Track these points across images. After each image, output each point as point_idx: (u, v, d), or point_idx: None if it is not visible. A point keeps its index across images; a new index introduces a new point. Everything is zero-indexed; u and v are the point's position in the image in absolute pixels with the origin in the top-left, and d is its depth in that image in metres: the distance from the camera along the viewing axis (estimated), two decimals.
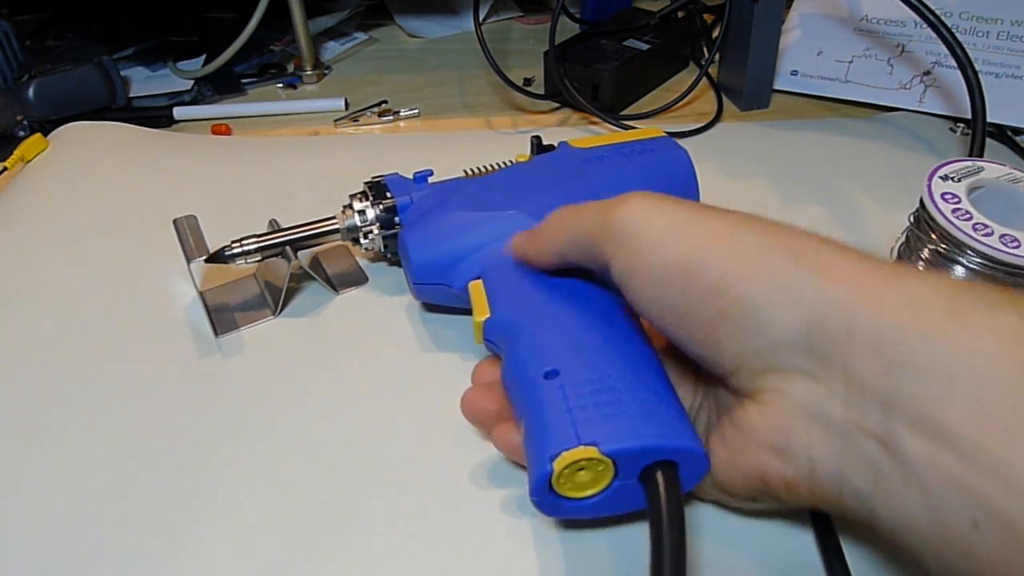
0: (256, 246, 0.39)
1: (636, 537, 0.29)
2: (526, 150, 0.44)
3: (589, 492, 0.26)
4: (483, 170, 0.42)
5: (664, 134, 0.42)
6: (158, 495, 0.32)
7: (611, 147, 0.41)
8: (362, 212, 0.40)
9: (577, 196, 0.32)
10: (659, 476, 0.25)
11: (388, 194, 0.40)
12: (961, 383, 0.20)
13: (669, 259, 0.25)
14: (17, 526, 0.31)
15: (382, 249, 0.41)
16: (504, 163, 0.42)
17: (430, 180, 0.41)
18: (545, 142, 0.44)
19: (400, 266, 0.40)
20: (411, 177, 0.41)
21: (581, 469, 0.25)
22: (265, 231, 0.40)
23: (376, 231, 0.40)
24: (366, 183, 0.41)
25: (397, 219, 0.39)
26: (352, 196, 0.40)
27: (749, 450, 0.25)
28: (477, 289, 0.34)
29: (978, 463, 0.19)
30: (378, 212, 0.39)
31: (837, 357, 0.22)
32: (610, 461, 0.25)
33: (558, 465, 0.25)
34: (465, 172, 0.42)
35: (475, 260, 0.36)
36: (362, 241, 0.40)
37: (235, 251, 0.39)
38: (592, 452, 0.24)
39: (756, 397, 0.24)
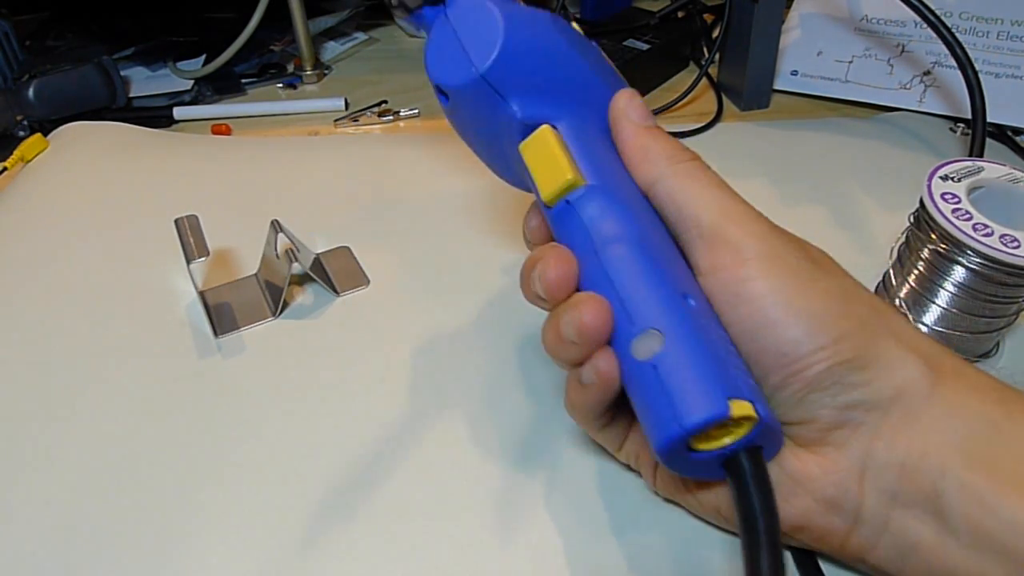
0: None
1: (637, 537, 0.29)
2: None
3: (709, 446, 0.23)
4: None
5: None
6: (158, 494, 0.32)
7: None
8: None
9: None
10: (752, 456, 0.23)
11: None
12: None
13: (792, 306, 0.24)
14: (17, 525, 0.31)
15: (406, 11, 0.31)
16: None
17: None
18: None
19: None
20: None
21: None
22: None
23: None
24: None
25: None
26: None
27: (798, 497, 0.25)
28: (555, 138, 0.27)
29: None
30: None
31: (910, 425, 0.23)
32: (753, 422, 0.23)
33: (733, 409, 0.22)
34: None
35: (560, 92, 0.28)
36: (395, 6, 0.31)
37: None
38: (750, 410, 0.23)
39: (817, 449, 0.24)
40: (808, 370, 0.23)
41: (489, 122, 0.29)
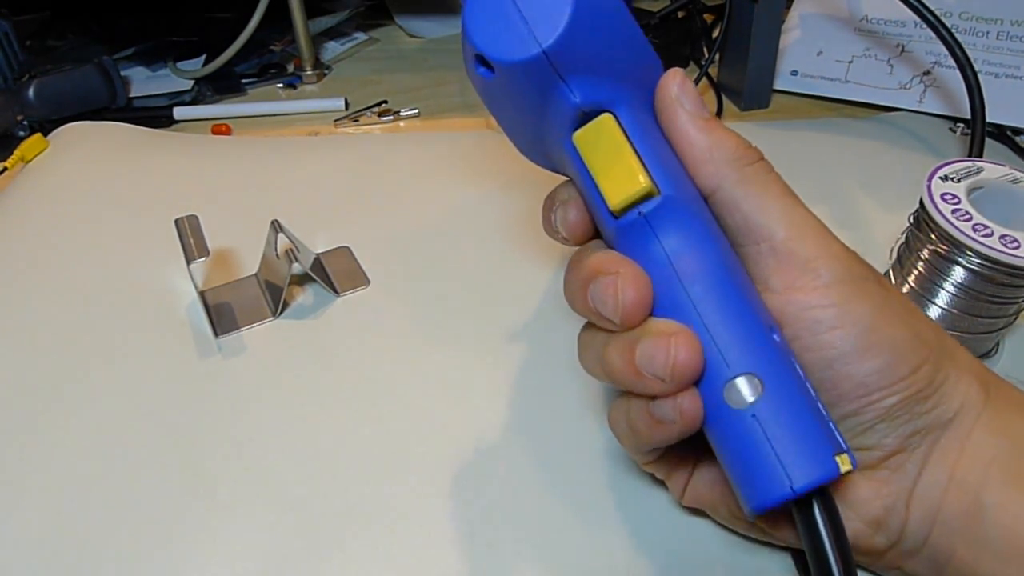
0: None
1: (638, 539, 0.29)
2: None
3: None
4: None
5: None
6: (157, 494, 0.32)
7: None
8: None
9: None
10: (825, 504, 0.22)
11: None
12: None
13: (873, 335, 0.23)
14: (17, 525, 0.31)
15: None
16: None
17: None
18: None
19: None
20: None
21: None
22: None
23: None
24: None
25: None
26: None
27: (847, 520, 0.23)
28: (620, 130, 0.24)
29: None
30: None
31: (960, 444, 0.23)
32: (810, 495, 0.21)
33: (843, 467, 0.21)
34: None
35: (623, 72, 0.25)
36: None
37: None
38: (848, 464, 0.21)
39: (871, 474, 0.24)
40: (884, 400, 0.23)
41: (538, 104, 0.25)
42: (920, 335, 0.23)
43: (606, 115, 0.24)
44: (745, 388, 0.21)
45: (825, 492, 0.22)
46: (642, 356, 0.22)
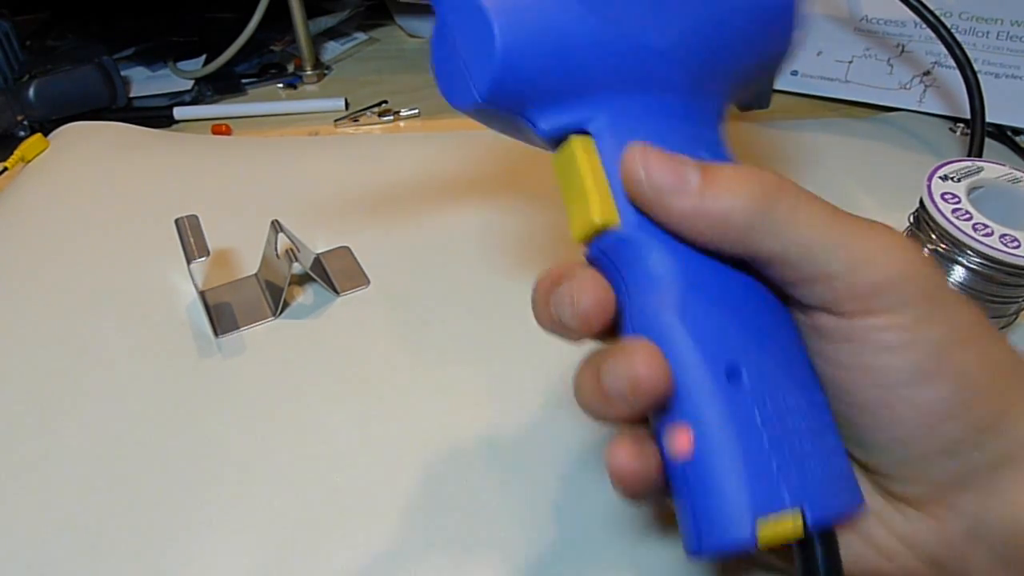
0: None
1: (636, 544, 0.29)
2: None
3: (771, 539, 0.20)
4: None
5: None
6: (158, 494, 0.32)
7: None
8: None
9: (715, 15, 0.23)
10: (826, 543, 0.21)
11: None
12: None
13: (946, 363, 0.21)
14: (18, 525, 0.31)
15: None
16: None
17: None
18: None
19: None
20: None
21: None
22: None
23: None
24: None
25: None
26: None
27: (905, 559, 0.22)
28: (586, 155, 0.22)
29: None
30: None
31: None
32: (810, 535, 0.20)
33: (762, 534, 0.19)
34: None
35: (589, 95, 0.22)
36: None
37: None
38: (796, 522, 0.19)
39: (929, 510, 0.22)
40: (946, 431, 0.21)
41: (516, 131, 0.24)
42: (994, 362, 0.21)
43: (575, 138, 0.22)
44: (679, 437, 0.20)
45: (830, 531, 0.21)
46: (605, 373, 0.21)
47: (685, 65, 0.23)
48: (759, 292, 0.22)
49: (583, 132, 0.22)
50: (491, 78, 0.21)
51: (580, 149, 0.22)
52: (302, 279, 0.43)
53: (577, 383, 0.22)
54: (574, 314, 0.21)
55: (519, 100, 0.22)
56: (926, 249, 0.35)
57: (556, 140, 0.23)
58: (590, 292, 0.21)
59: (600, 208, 0.21)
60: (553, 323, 0.22)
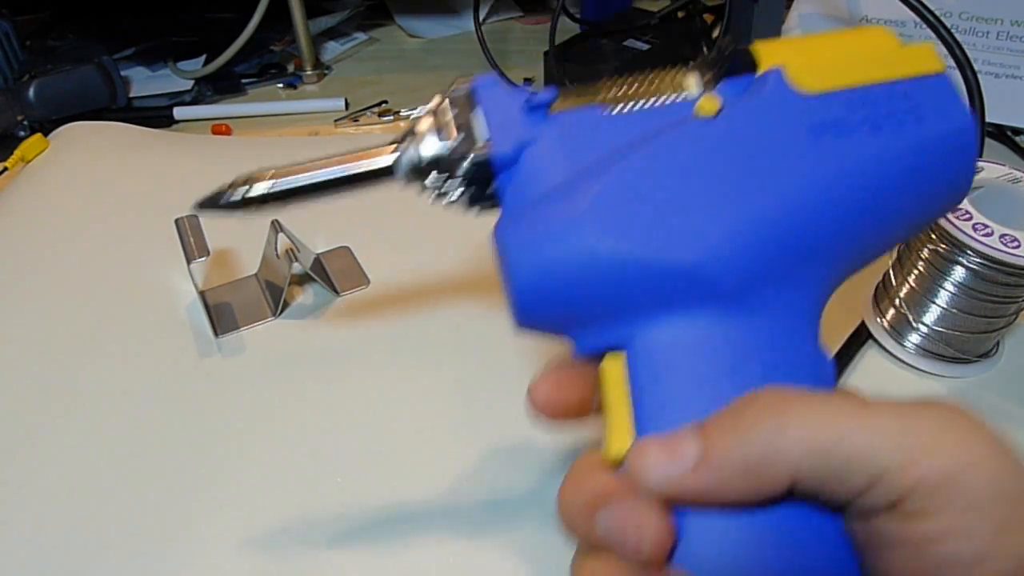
0: (267, 190, 0.26)
1: None
2: None
3: None
4: (633, 90, 0.24)
5: (936, 60, 0.24)
6: (158, 493, 0.32)
7: (860, 96, 0.22)
8: (430, 155, 0.24)
9: (785, 202, 0.21)
10: None
11: (480, 127, 0.23)
12: None
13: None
14: (18, 524, 0.31)
15: (467, 208, 0.26)
16: (672, 84, 0.23)
17: (553, 110, 0.23)
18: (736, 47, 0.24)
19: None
20: (517, 94, 0.23)
21: None
22: (280, 166, 0.27)
23: (456, 190, 0.24)
24: (443, 93, 0.25)
25: (492, 187, 0.24)
26: (418, 117, 0.25)
27: None
28: (614, 375, 0.21)
29: None
30: (457, 162, 0.23)
31: None
32: None
33: None
34: (603, 91, 0.24)
35: (618, 319, 0.21)
36: (429, 191, 0.25)
37: (237, 196, 0.27)
38: None
39: None
40: None
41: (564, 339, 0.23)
42: None
43: (609, 357, 0.21)
44: None
45: None
46: (603, 520, 0.19)
47: (734, 272, 0.20)
48: (799, 532, 0.19)
49: (619, 350, 0.21)
50: (518, 308, 0.21)
51: (612, 371, 0.21)
52: (302, 279, 0.43)
53: (566, 501, 0.20)
54: (637, 552, 0.18)
55: (552, 325, 0.22)
56: (927, 249, 0.35)
57: (596, 358, 0.22)
58: (651, 529, 0.18)
59: (619, 443, 0.20)
60: (596, 539, 0.19)
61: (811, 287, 0.22)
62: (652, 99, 0.23)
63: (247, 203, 0.26)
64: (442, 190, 0.24)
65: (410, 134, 0.24)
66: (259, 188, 0.26)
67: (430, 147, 0.24)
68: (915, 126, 0.22)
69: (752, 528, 0.19)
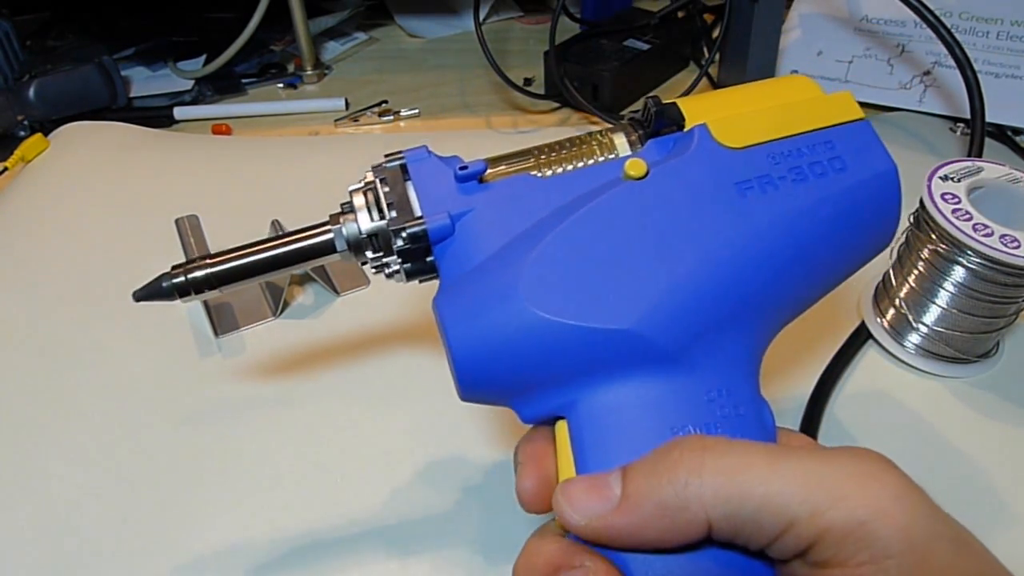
0: (209, 272, 0.26)
1: None
2: None
3: None
4: (562, 155, 0.24)
5: (854, 107, 0.24)
6: (158, 493, 0.32)
7: (782, 148, 0.23)
8: (366, 231, 0.24)
9: (718, 259, 0.21)
10: None
11: (412, 201, 0.24)
12: None
13: None
14: (18, 524, 0.31)
15: (408, 279, 0.25)
16: (599, 146, 0.24)
17: (485, 178, 0.24)
18: (663, 100, 0.24)
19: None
20: (448, 165, 0.24)
21: None
22: (218, 253, 0.27)
23: (395, 267, 0.24)
24: (375, 169, 0.25)
25: (429, 258, 0.24)
26: (352, 192, 0.25)
27: None
28: (563, 444, 0.22)
29: None
30: (392, 237, 0.23)
31: None
32: None
33: None
34: (533, 157, 0.24)
35: (559, 386, 0.22)
36: (370, 269, 0.25)
37: (174, 283, 0.27)
38: None
39: None
40: None
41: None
42: None
43: (558, 425, 0.22)
44: None
45: None
46: None
47: (667, 334, 0.21)
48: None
49: (563, 415, 0.22)
50: (459, 380, 0.22)
51: (560, 436, 0.22)
52: (302, 279, 0.43)
53: (516, 572, 0.21)
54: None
55: (494, 395, 0.22)
56: (927, 249, 0.35)
57: (545, 424, 0.23)
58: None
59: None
60: None
61: (747, 338, 0.22)
62: (581, 161, 0.24)
63: (185, 290, 0.26)
64: (381, 264, 0.25)
65: (344, 212, 0.25)
66: (197, 275, 0.26)
67: (365, 224, 0.24)
68: (837, 174, 0.23)
69: (680, 570, 0.19)
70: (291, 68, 0.70)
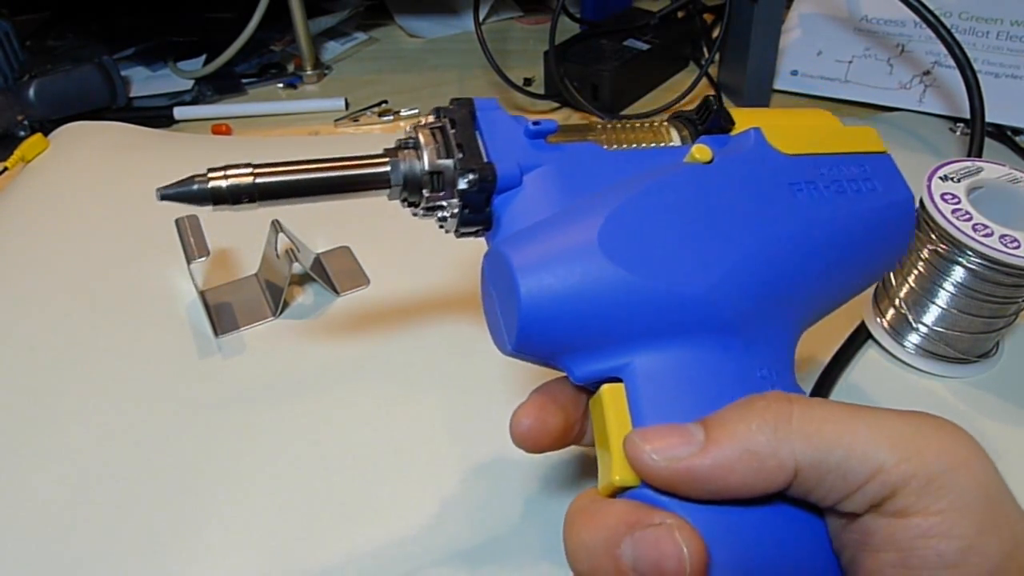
0: (254, 181, 0.24)
1: None
2: None
3: None
4: (625, 134, 0.25)
5: (880, 142, 0.27)
6: (158, 493, 0.32)
7: (825, 162, 0.25)
8: (432, 167, 0.23)
9: (774, 245, 0.23)
10: None
11: (480, 145, 0.23)
12: None
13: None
14: (18, 524, 0.31)
15: (455, 232, 0.24)
16: (655, 134, 0.26)
17: (551, 139, 0.24)
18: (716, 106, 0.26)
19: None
20: (520, 120, 0.24)
21: None
22: (263, 163, 0.25)
23: (452, 211, 0.23)
24: (440, 110, 0.24)
25: (489, 208, 0.23)
26: (417, 127, 0.24)
27: None
28: (613, 404, 0.21)
29: None
30: (459, 178, 0.23)
31: None
32: None
33: None
34: (597, 131, 0.26)
35: (619, 345, 0.22)
36: (420, 212, 0.24)
37: (209, 184, 0.25)
38: None
39: None
40: None
41: (556, 369, 0.23)
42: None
43: (606, 387, 0.22)
44: None
45: None
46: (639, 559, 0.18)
47: (732, 306, 0.22)
48: (795, 533, 0.20)
49: (616, 379, 0.22)
50: (520, 331, 0.21)
51: (609, 399, 0.21)
52: (302, 279, 0.43)
53: (578, 543, 0.19)
54: (679, 572, 0.18)
55: (549, 350, 0.22)
56: (926, 249, 0.35)
57: (592, 386, 0.23)
58: (692, 544, 0.18)
59: (620, 468, 0.20)
60: (622, 574, 0.19)
61: (787, 328, 0.24)
62: (643, 143, 0.25)
63: (221, 197, 0.24)
64: (434, 206, 0.24)
65: (405, 147, 0.24)
66: (240, 181, 0.24)
67: (430, 160, 0.23)
68: (870, 194, 0.25)
69: (750, 528, 0.19)
70: (291, 68, 0.70)
